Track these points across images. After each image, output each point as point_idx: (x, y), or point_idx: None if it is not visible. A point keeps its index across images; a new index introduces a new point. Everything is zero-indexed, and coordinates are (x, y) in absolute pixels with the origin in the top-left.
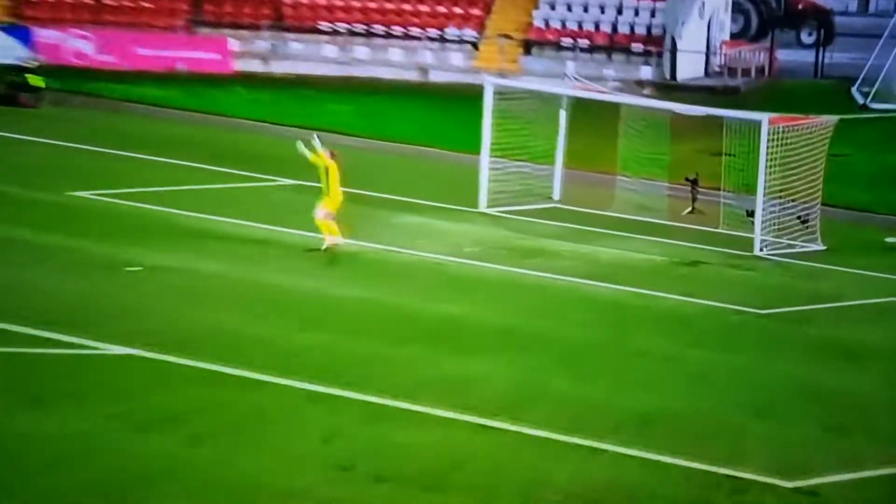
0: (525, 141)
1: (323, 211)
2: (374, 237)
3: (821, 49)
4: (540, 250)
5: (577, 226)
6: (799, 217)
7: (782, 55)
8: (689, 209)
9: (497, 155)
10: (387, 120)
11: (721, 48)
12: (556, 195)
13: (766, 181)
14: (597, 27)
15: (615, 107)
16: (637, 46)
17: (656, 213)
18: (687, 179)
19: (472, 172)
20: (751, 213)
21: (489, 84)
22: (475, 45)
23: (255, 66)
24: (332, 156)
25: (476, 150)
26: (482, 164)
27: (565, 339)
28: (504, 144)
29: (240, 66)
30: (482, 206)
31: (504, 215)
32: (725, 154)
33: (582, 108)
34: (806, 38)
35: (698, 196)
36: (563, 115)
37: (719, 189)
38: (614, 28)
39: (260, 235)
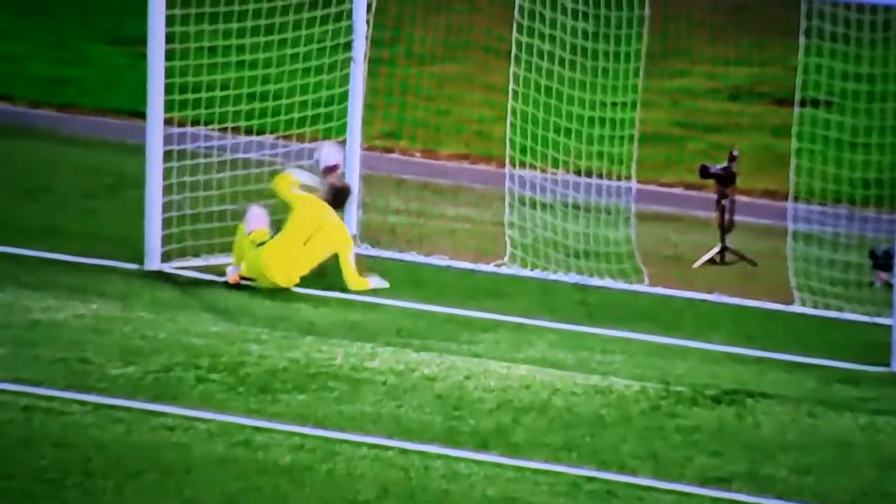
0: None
1: None
2: None
3: None
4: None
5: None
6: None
7: None
8: (717, 250)
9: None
10: None
11: None
12: (353, 227)
13: None
14: None
15: None
16: None
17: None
18: (707, 172)
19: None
20: (884, 261)
21: None
22: None
23: None
24: None
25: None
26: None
27: None
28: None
29: None
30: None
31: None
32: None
33: None
34: None
35: (734, 216)
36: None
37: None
38: None
39: None
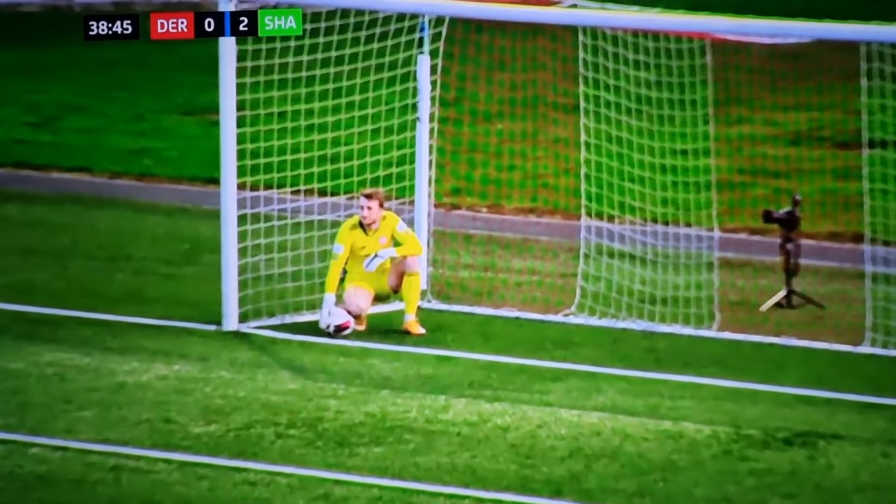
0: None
1: None
2: None
3: None
4: None
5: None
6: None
7: None
8: (783, 294)
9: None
10: None
11: None
12: (424, 284)
13: None
14: None
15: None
16: None
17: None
18: (771, 217)
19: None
20: None
21: None
22: None
23: None
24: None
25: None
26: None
27: None
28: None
29: None
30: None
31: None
32: None
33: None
34: None
35: (800, 259)
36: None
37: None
38: None
39: None
